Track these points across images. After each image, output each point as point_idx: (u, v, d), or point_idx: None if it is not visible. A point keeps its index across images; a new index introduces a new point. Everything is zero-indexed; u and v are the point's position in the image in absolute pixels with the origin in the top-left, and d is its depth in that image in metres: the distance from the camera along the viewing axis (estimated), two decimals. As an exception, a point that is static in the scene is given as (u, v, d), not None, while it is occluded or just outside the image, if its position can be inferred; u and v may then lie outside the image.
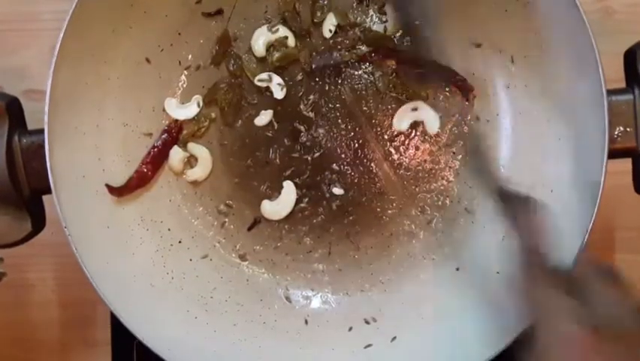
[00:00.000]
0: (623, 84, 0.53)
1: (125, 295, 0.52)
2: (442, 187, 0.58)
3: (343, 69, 0.57)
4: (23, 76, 0.65)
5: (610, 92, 0.49)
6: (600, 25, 0.63)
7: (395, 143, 0.58)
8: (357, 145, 0.57)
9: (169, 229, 0.57)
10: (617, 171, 0.51)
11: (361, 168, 0.57)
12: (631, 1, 0.65)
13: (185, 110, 0.57)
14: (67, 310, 0.69)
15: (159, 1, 0.55)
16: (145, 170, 0.56)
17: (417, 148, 0.58)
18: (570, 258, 0.48)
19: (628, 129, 0.51)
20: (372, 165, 0.57)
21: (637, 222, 0.53)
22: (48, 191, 0.50)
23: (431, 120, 0.57)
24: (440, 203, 0.58)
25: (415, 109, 0.57)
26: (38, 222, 0.54)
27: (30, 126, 0.54)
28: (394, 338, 0.55)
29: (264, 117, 0.57)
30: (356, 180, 0.57)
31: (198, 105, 0.57)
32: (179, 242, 0.57)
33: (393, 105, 0.57)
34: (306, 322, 0.57)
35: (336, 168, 0.57)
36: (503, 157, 0.57)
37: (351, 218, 0.58)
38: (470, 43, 0.56)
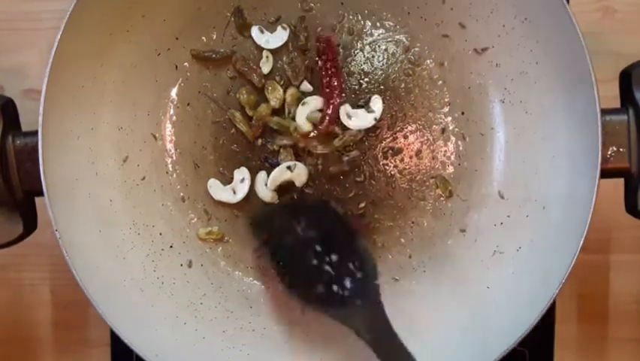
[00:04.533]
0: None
1: (114, 299, 0.52)
2: (434, 199, 0.58)
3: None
4: (23, 75, 0.65)
5: (604, 112, 0.49)
6: (600, 25, 0.63)
7: (388, 155, 0.58)
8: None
9: (160, 234, 0.57)
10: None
11: (355, 179, 0.58)
12: (632, 0, 0.64)
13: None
14: (66, 311, 0.68)
15: (158, 6, 0.55)
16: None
17: (410, 159, 0.58)
18: (562, 273, 0.49)
19: (621, 150, 0.51)
20: (365, 176, 0.58)
21: (636, 221, 0.53)
22: (40, 193, 0.50)
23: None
24: (432, 215, 0.58)
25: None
26: (30, 224, 0.54)
27: (29, 126, 0.54)
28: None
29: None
30: (349, 192, 0.58)
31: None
32: (171, 247, 0.57)
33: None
34: (295, 331, 0.56)
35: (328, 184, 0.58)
36: (496, 171, 0.57)
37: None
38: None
